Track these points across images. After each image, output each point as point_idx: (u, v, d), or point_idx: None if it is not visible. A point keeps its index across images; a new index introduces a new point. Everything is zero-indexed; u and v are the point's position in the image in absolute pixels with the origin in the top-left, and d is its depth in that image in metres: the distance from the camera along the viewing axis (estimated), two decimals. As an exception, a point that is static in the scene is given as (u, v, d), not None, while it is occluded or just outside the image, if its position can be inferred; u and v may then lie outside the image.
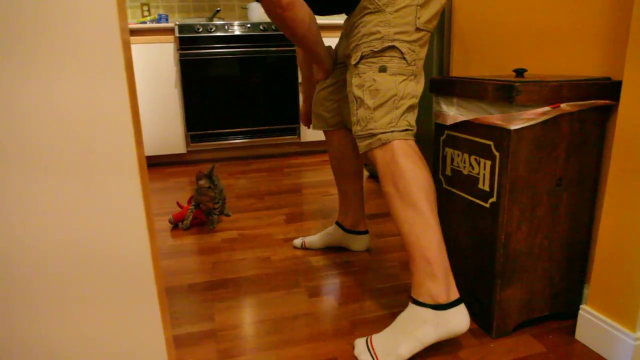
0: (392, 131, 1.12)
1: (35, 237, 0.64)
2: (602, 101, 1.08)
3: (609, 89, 1.08)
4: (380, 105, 1.12)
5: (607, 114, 1.12)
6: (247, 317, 1.31)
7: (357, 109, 1.16)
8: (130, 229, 0.66)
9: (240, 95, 3.15)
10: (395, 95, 1.12)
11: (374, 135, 1.13)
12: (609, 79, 1.10)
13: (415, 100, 1.15)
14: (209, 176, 1.95)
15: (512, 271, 1.13)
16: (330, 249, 1.73)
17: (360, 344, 1.13)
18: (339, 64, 1.48)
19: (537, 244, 1.13)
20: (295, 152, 3.46)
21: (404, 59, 1.12)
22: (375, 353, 1.08)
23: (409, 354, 1.06)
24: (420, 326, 1.06)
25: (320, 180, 2.71)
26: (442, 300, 1.06)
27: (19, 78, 0.58)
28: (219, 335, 1.22)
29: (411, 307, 1.09)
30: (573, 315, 1.20)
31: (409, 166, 1.10)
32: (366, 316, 1.29)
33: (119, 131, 0.63)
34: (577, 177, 1.13)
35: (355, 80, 1.16)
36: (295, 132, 3.33)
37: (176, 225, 2.03)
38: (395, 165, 1.11)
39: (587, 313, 1.13)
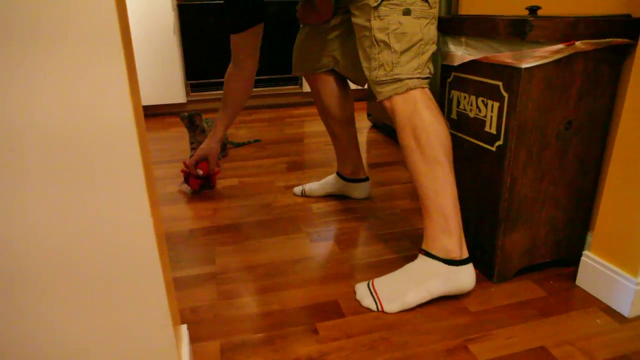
0: (418, 77, 1.08)
1: (37, 231, 0.62)
2: (621, 39, 1.02)
3: (629, 26, 1.02)
4: (407, 49, 1.07)
5: (624, 54, 1.06)
6: (248, 260, 1.31)
7: (378, 53, 1.08)
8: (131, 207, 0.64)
9: (241, 43, 3.05)
10: (422, 40, 1.07)
11: (400, 80, 1.07)
12: (628, 16, 1.04)
13: (436, 47, 1.11)
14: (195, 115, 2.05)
15: (516, 216, 1.11)
16: (331, 197, 1.71)
17: (361, 288, 1.13)
18: (338, 9, 1.41)
19: (543, 189, 1.11)
20: (297, 103, 3.39)
21: (426, 1, 1.06)
22: (378, 297, 1.08)
23: (415, 303, 1.07)
24: (431, 278, 1.07)
25: (322, 130, 2.67)
26: (456, 256, 1.06)
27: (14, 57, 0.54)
28: (219, 278, 1.22)
29: (423, 259, 1.09)
30: (575, 262, 1.20)
31: (431, 119, 1.06)
32: (368, 261, 1.29)
33: (119, 122, 0.61)
34: (587, 121, 1.09)
35: (376, 23, 1.08)
36: (298, 81, 3.25)
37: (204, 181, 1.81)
38: (417, 117, 1.06)
39: (589, 259, 1.12)
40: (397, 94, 1.08)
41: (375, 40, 1.08)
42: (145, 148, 0.69)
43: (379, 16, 1.07)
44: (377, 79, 1.10)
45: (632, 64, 1.02)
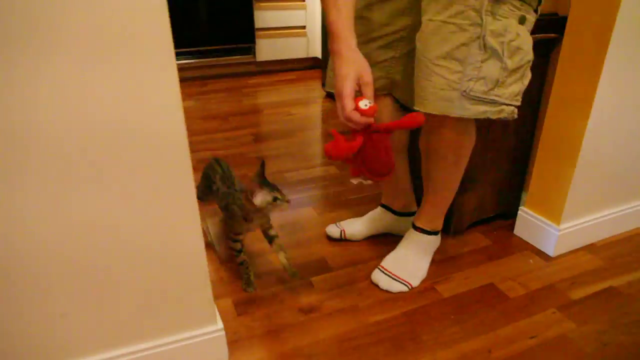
0: (514, 105, 0.92)
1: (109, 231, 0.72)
2: (549, 34, 1.25)
3: (555, 23, 1.25)
4: (516, 69, 0.89)
5: (552, 46, 1.30)
6: (239, 229, 1.46)
7: (482, 62, 0.85)
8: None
9: (192, 13, 3.05)
10: (530, 61, 0.91)
11: (496, 103, 0.89)
12: (555, 14, 1.27)
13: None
14: (264, 181, 1.08)
15: (467, 181, 1.35)
16: (294, 169, 1.88)
17: (382, 278, 1.19)
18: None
19: (489, 157, 1.35)
20: (251, 72, 3.45)
21: (536, 10, 0.90)
22: (403, 279, 1.19)
23: (427, 269, 1.24)
24: (433, 247, 1.26)
25: (279, 101, 2.79)
26: (440, 228, 1.26)
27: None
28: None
29: (423, 236, 1.23)
30: (513, 216, 1.47)
31: (473, 137, 1.09)
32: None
33: (172, 122, 0.70)
34: (523, 102, 1.32)
35: (491, 23, 0.83)
36: (250, 51, 3.31)
37: None
38: (468, 136, 1.05)
39: (524, 213, 1.39)
40: (487, 117, 0.91)
41: (484, 44, 0.84)
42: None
43: (495, 14, 0.83)
44: (470, 93, 0.87)
45: (557, 54, 1.25)
